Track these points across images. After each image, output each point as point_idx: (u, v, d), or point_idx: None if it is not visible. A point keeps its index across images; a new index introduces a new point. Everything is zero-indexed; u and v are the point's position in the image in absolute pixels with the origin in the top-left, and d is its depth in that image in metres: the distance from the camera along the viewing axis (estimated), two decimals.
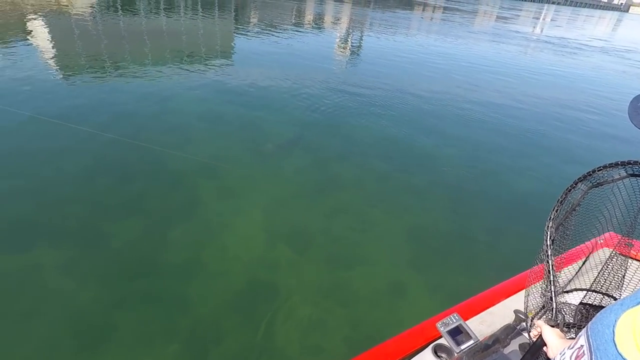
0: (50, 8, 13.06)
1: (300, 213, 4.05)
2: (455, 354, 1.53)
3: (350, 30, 17.92)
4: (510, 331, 1.60)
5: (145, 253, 3.26)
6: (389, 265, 3.52)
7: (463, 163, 5.61)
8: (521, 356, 1.38)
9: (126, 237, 3.40)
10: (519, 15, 45.72)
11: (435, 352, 1.63)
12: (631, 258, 2.19)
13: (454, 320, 1.60)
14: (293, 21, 18.24)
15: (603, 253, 2.22)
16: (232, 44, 12.13)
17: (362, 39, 15.84)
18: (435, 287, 3.34)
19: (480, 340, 1.58)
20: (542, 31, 30.32)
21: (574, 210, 1.61)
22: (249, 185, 4.40)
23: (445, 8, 40.50)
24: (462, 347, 1.53)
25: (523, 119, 7.91)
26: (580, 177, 1.51)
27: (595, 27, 43.93)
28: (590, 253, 2.24)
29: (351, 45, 14.11)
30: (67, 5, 14.01)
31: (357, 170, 5.03)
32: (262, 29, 14.60)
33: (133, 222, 3.59)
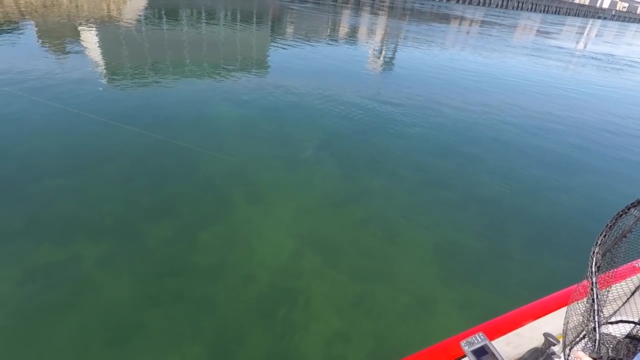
0: (101, 18, 13.94)
1: (328, 222, 4.04)
2: None
3: (384, 43, 17.93)
4: (539, 355, 1.52)
5: (176, 253, 3.35)
6: (417, 279, 3.44)
7: (498, 179, 5.42)
8: None
9: (159, 236, 3.51)
10: (561, 30, 44.18)
11: None
12: None
13: (479, 340, 1.53)
14: (328, 32, 18.49)
15: None
16: (268, 54, 12.43)
17: (395, 52, 15.81)
18: (463, 304, 3.22)
19: None
20: (585, 47, 29.11)
21: (625, 237, 1.50)
22: (278, 192, 4.44)
23: (483, 22, 39.79)
24: None
25: (563, 136, 7.58)
26: (634, 202, 1.41)
27: None
28: (634, 275, 2.10)
29: (384, 58, 14.10)
30: (116, 16, 14.91)
31: (388, 182, 4.97)
32: (297, 40, 14.88)
33: (167, 222, 3.70)
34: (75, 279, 2.98)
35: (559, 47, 24.58)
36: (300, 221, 3.98)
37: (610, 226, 1.45)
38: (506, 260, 3.82)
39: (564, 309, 1.84)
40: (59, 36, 10.60)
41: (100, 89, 6.92)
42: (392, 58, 14.00)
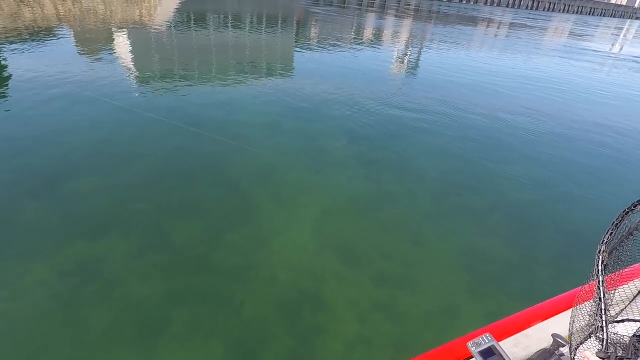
0: (133, 23, 14.49)
1: (352, 225, 4.02)
2: None
3: (409, 46, 17.76)
4: (548, 356, 1.48)
5: (202, 252, 3.42)
6: (441, 287, 3.37)
7: (527, 187, 5.25)
8: None
9: (187, 234, 3.60)
10: (595, 32, 42.46)
11: None
12: None
13: (487, 341, 1.50)
14: (352, 36, 18.49)
15: None
16: (292, 57, 12.55)
17: (421, 55, 15.63)
18: (489, 313, 3.13)
19: None
20: (622, 49, 27.86)
21: (632, 234, 1.48)
22: (303, 193, 4.47)
23: (512, 24, 38.78)
24: None
25: (598, 145, 7.26)
26: None
27: None
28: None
29: (409, 61, 13.96)
30: (147, 21, 15.45)
31: (413, 187, 4.91)
32: (322, 43, 14.96)
33: (194, 221, 3.79)
34: (106, 274, 3.09)
35: (593, 50, 23.63)
36: (324, 223, 3.98)
37: (617, 224, 1.42)
38: (531, 271, 3.69)
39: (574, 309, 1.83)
40: (93, 42, 11.08)
41: (131, 90, 7.18)
42: (417, 62, 13.85)
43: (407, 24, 28.55)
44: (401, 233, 3.98)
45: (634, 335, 1.51)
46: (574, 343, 1.60)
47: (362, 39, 17.96)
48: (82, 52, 9.64)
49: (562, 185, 5.43)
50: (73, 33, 11.82)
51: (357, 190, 4.69)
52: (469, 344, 1.51)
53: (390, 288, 3.27)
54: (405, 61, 13.81)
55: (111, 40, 11.53)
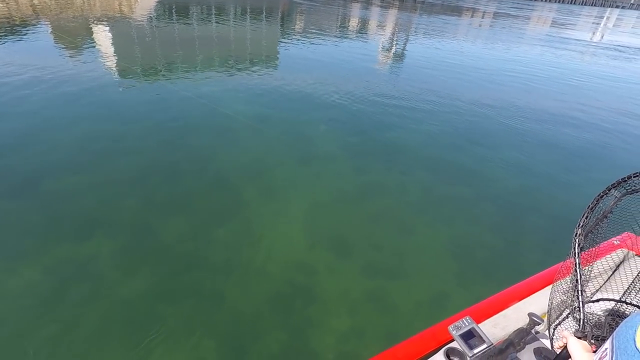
0: (113, 15, 14.08)
1: (341, 218, 4.03)
2: (468, 358, 1.48)
3: (395, 36, 17.73)
4: (525, 335, 1.54)
5: (191, 248, 3.38)
6: (430, 276, 3.40)
7: (513, 176, 5.33)
8: None
9: (175, 231, 3.55)
10: (577, 21, 43.09)
11: (448, 355, 1.59)
12: None
13: (467, 324, 1.56)
14: (337, 26, 18.35)
15: (620, 254, 2.35)
16: (277, 49, 12.41)
17: (406, 45, 15.61)
18: (476, 299, 3.18)
19: (494, 344, 1.53)
20: (602, 37, 28.35)
21: (606, 217, 1.54)
22: (291, 187, 4.45)
23: (495, 14, 39.03)
24: (475, 351, 1.48)
25: (580, 131, 7.40)
26: (614, 184, 1.43)
27: None
28: (608, 254, 2.32)
29: (395, 51, 13.95)
30: (127, 13, 15.04)
31: (401, 178, 4.93)
32: (307, 35, 14.82)
33: (182, 217, 3.74)
34: (93, 273, 3.03)
35: (574, 39, 23.99)
36: (314, 215, 3.98)
37: (592, 207, 1.47)
38: (518, 258, 3.76)
39: (547, 288, 2.00)
40: (72, 34, 10.74)
41: (111, 85, 7.00)
42: (402, 52, 13.84)
43: (392, 14, 28.47)
44: (391, 224, 4.00)
45: (609, 314, 1.61)
46: (551, 320, 1.68)
47: (347, 30, 17.85)
48: (60, 46, 9.34)
49: (546, 172, 5.53)
50: (50, 26, 11.43)
51: (346, 182, 4.69)
52: (450, 328, 1.55)
53: (381, 278, 3.30)
54: (391, 52, 13.79)
55: (91, 33, 11.20)
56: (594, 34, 30.49)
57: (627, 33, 33.69)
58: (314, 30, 16.10)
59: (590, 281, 2.05)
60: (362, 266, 3.41)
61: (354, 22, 21.29)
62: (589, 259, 2.20)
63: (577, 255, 1.44)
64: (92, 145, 4.88)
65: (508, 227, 4.18)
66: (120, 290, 2.93)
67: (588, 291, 1.99)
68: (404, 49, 14.41)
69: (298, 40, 13.86)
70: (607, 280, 2.23)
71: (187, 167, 4.63)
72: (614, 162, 6.22)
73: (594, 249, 2.22)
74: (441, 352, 1.61)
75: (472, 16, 33.83)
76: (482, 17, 33.62)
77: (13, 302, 2.75)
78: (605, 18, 53.20)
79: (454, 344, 1.60)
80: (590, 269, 2.01)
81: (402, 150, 5.70)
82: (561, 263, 1.96)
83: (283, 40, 13.90)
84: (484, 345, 1.50)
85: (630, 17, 63.04)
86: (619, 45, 22.39)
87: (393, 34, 18.57)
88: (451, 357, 1.59)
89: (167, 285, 3.02)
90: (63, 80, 6.86)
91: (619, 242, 2.57)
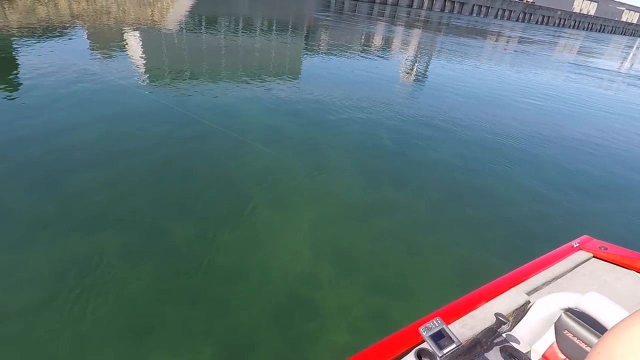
0: (145, 24, 14.67)
1: (348, 232, 4.01)
2: (438, 358, 1.52)
3: (418, 56, 17.81)
4: (492, 334, 1.57)
5: (195, 252, 3.42)
6: (436, 298, 3.33)
7: (530, 201, 5.21)
8: (502, 358, 1.43)
9: (181, 235, 3.60)
10: (605, 49, 42.37)
11: (419, 356, 1.62)
12: (607, 261, 2.60)
13: (437, 325, 1.59)
14: (361, 44, 18.59)
15: (580, 256, 2.59)
16: (300, 64, 12.63)
17: (428, 66, 15.66)
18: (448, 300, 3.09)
19: (463, 343, 1.56)
20: (632, 66, 27.76)
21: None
22: (300, 198, 4.47)
23: (520, 39, 38.81)
24: (445, 351, 1.52)
25: (598, 159, 7.20)
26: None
27: None
28: (568, 256, 2.56)
29: (417, 71, 14.00)
30: (159, 22, 15.64)
31: (411, 197, 4.89)
32: (330, 51, 15.05)
33: (189, 221, 3.80)
34: (99, 271, 3.09)
35: (601, 68, 23.56)
36: (320, 229, 3.97)
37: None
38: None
39: (513, 289, 2.14)
40: (106, 40, 11.23)
41: (136, 89, 7.25)
42: (424, 73, 13.87)
43: (416, 34, 28.68)
44: (398, 243, 3.95)
45: (566, 310, 1.81)
46: (509, 318, 1.82)
47: (370, 48, 18.05)
48: (93, 50, 9.77)
49: (563, 199, 5.38)
50: (86, 31, 11.99)
51: (355, 198, 4.67)
52: (421, 329, 1.59)
53: (384, 297, 3.25)
54: (413, 71, 13.84)
55: (123, 39, 11.68)
56: (622, 62, 29.87)
57: None
58: (338, 46, 16.35)
59: (550, 282, 2.33)
60: (365, 283, 3.37)
61: (377, 40, 21.52)
62: (549, 261, 2.49)
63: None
64: (111, 144, 5.03)
65: (520, 255, 4.07)
66: (123, 287, 2.98)
67: (548, 291, 2.24)
68: (426, 70, 14.45)
69: (321, 55, 14.09)
70: (565, 282, 2.40)
71: (200, 172, 4.71)
72: (630, 193, 6.01)
73: (554, 251, 2.64)
74: (412, 353, 1.64)
75: (496, 40, 33.73)
76: (507, 42, 33.47)
77: (19, 293, 2.83)
78: (635, 47, 52.07)
79: (424, 345, 1.64)
80: (550, 271, 2.34)
81: (415, 168, 5.67)
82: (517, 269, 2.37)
83: (307, 54, 14.15)
84: (453, 345, 1.54)
85: None
86: None
87: (416, 53, 18.66)
88: (422, 358, 1.62)
89: (169, 286, 3.05)
90: (93, 82, 7.15)
91: (577, 244, 2.76)
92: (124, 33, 12.46)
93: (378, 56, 15.74)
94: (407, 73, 13.25)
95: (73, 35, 11.07)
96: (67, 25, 12.25)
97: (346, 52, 15.21)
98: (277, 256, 3.52)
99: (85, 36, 11.31)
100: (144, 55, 10.22)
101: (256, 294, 3.10)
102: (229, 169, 4.85)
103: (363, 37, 21.67)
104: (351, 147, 6.07)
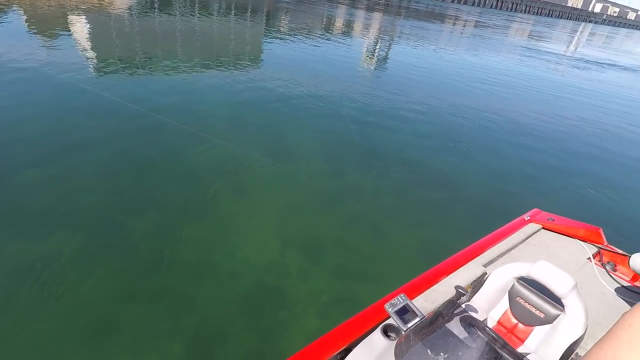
0: (91, 6, 13.65)
1: (314, 220, 4.01)
2: (403, 332, 1.59)
3: (379, 40, 17.89)
4: (452, 305, 1.65)
5: (158, 248, 3.30)
6: (401, 276, 3.42)
7: (486, 180, 5.46)
8: (463, 329, 1.51)
9: (142, 231, 3.45)
10: (553, 33, 44.61)
11: (385, 332, 1.69)
12: (554, 231, 2.87)
13: (401, 301, 1.67)
14: (322, 28, 18.38)
15: (531, 228, 2.84)
16: (261, 48, 12.32)
17: (389, 50, 15.79)
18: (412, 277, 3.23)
19: (426, 316, 1.64)
20: (576, 49, 29.48)
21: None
22: (265, 187, 4.41)
23: (477, 22, 39.98)
24: (409, 324, 1.59)
25: (550, 139, 7.65)
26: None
27: (633, 46, 42.37)
28: (520, 228, 2.81)
29: (378, 55, 14.08)
30: (107, 4, 14.60)
31: (376, 181, 4.97)
32: (291, 35, 14.78)
33: (150, 217, 3.64)
34: (53, 274, 2.91)
35: (549, 52, 24.83)
36: (286, 218, 3.95)
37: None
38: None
39: (471, 262, 2.30)
40: (48, 24, 10.35)
41: (84, 76, 6.78)
42: (385, 57, 13.98)
43: (377, 17, 28.75)
44: (363, 227, 4.01)
45: (518, 278, 1.94)
46: (468, 290, 1.94)
47: (331, 31, 17.90)
48: (34, 35, 8.98)
49: (515, 176, 5.68)
50: (24, 14, 10.97)
51: (321, 184, 4.68)
52: (386, 306, 1.66)
53: (352, 282, 3.30)
54: (375, 55, 13.91)
55: (67, 22, 10.81)
56: (568, 46, 31.63)
57: (597, 47, 35.11)
58: (299, 30, 16.07)
59: (504, 254, 2.52)
60: (334, 269, 3.41)
61: (338, 24, 21.37)
62: (503, 234, 2.72)
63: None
64: (59, 138, 4.69)
65: (476, 229, 4.27)
66: (81, 290, 2.82)
67: (502, 262, 2.41)
68: (387, 54, 14.56)
69: (282, 39, 13.80)
70: (517, 252, 2.58)
71: (158, 163, 4.51)
72: (575, 167, 6.46)
73: (508, 224, 2.89)
74: (379, 329, 1.70)
75: (454, 24, 34.53)
76: (464, 26, 34.36)
77: None
78: (579, 32, 55.25)
79: (390, 321, 1.71)
80: (505, 243, 2.57)
81: (378, 153, 5.75)
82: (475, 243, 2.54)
83: (267, 38, 13.81)
84: (417, 319, 1.61)
85: (602, 31, 65.71)
86: (592, 58, 23.30)
87: (377, 37, 18.74)
88: (388, 333, 1.69)
89: (132, 285, 2.93)
90: (34, 72, 6.60)
91: (528, 217, 2.98)
92: (68, 15, 11.52)
93: (339, 40, 15.66)
94: (369, 57, 13.30)
95: (9, 18, 10.11)
96: (2, 6, 11.16)
97: (307, 36, 15.00)
98: (244, 247, 3.47)
99: (24, 19, 10.36)
100: (91, 41, 9.54)
101: (224, 287, 3.05)
102: (188, 161, 4.67)
103: (324, 20, 21.42)
104: (315, 133, 6.04)
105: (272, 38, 13.90)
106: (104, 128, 5.11)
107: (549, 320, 1.84)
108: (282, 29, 16.30)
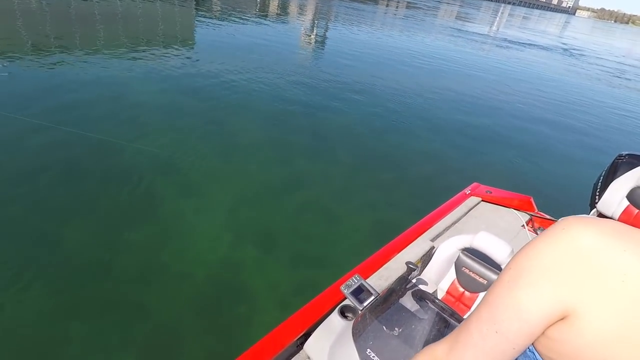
0: None
1: (265, 211, 3.93)
2: (360, 312, 1.63)
3: (316, 21, 17.73)
4: (404, 282, 1.73)
5: (97, 257, 3.02)
6: (355, 258, 3.50)
7: (428, 158, 5.72)
8: (415, 303, 1.58)
9: (75, 240, 3.13)
10: (477, 14, 47.40)
11: (342, 312, 1.73)
12: (492, 203, 3.10)
13: (356, 281, 1.70)
14: (257, 10, 17.75)
15: (472, 201, 3.06)
16: (193, 32, 11.61)
17: (327, 31, 15.72)
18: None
19: (380, 294, 1.69)
20: (498, 29, 31.67)
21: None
22: (210, 183, 4.21)
23: (408, 4, 41.18)
24: (365, 303, 1.63)
25: (489, 114, 8.20)
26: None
27: (546, 27, 46.45)
28: (462, 202, 3.02)
29: (316, 37, 13.97)
30: None
31: (324, 166, 4.98)
32: (225, 17, 14.10)
33: (82, 223, 3.32)
34: None
35: (476, 32, 26.38)
36: (236, 211, 3.82)
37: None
38: None
39: (420, 238, 2.44)
40: None
41: None
42: (323, 38, 13.91)
43: None
44: (316, 214, 4.02)
45: (463, 249, 2.06)
46: (418, 265, 2.07)
47: (267, 13, 17.37)
48: None
49: (456, 153, 6.04)
50: None
51: (270, 174, 4.59)
52: (342, 287, 1.68)
53: (310, 269, 3.31)
54: (312, 37, 13.78)
55: None
56: (490, 27, 33.89)
57: (516, 27, 38.03)
58: (232, 12, 15.36)
59: (449, 227, 2.70)
60: (290, 258, 3.39)
61: (273, 5, 20.78)
62: (447, 208, 2.92)
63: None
64: None
65: (422, 206, 4.48)
66: (11, 313, 2.52)
67: (448, 235, 2.55)
68: (325, 35, 14.49)
69: (216, 22, 13.11)
70: (461, 225, 2.78)
71: (87, 164, 4.10)
72: (509, 140, 7.03)
73: (451, 199, 3.08)
74: (336, 311, 1.74)
75: (387, 5, 35.25)
76: (397, 8, 35.24)
77: None
78: (499, 13, 59.38)
79: (346, 302, 1.74)
80: (449, 217, 2.75)
81: (325, 137, 5.75)
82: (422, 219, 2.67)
83: (199, 21, 13.03)
84: (372, 297, 1.64)
85: (519, 12, 71.17)
86: (513, 37, 25.18)
87: (313, 19, 18.54)
88: (345, 314, 1.72)
89: (71, 300, 2.67)
90: None
91: (470, 191, 3.19)
92: None
93: (275, 22, 15.26)
94: (306, 39, 13.15)
95: None
96: None
97: (241, 18, 14.41)
98: (194, 246, 3.31)
99: None
100: None
101: (176, 290, 2.89)
102: (123, 159, 4.30)
103: (258, 1, 20.69)
104: (259, 120, 5.88)
105: (204, 21, 13.15)
106: (11, 126, 4.51)
107: (490, 285, 1.98)
108: (214, 11, 15.47)
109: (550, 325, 0.57)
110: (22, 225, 3.19)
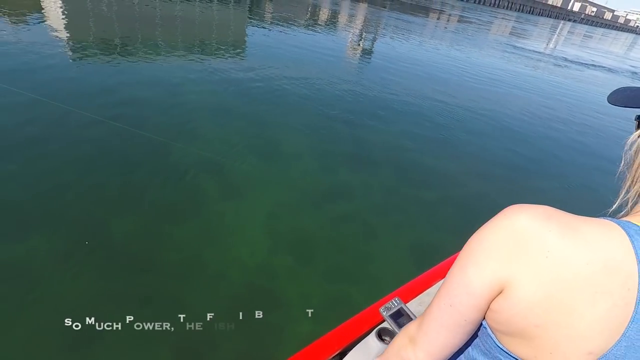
0: None
1: (305, 219, 3.93)
2: None
3: (364, 31, 17.75)
4: None
5: (143, 249, 3.15)
6: (394, 279, 3.41)
7: (475, 179, 5.49)
8: None
9: (125, 231, 3.29)
10: (534, 30, 45.47)
11: (380, 335, 1.67)
12: None
13: (396, 304, 1.66)
14: (307, 17, 18.08)
15: None
16: (245, 36, 12.00)
17: (375, 41, 15.69)
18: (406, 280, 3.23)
19: None
20: (555, 47, 30.15)
21: None
22: (253, 186, 4.28)
23: (460, 17, 40.27)
24: None
25: (539, 138, 7.78)
26: None
27: (610, 46, 43.71)
28: None
29: (364, 47, 13.96)
30: None
31: (366, 178, 4.91)
32: (276, 23, 14.46)
33: (133, 215, 3.47)
34: (28, 277, 2.74)
35: (531, 50, 25.28)
36: (276, 217, 3.85)
37: None
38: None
39: None
40: (17, 5, 9.74)
41: (59, 65, 6.41)
42: (370, 50, 13.88)
43: (362, 8, 28.52)
44: (355, 227, 3.96)
45: None
46: None
47: (316, 21, 17.64)
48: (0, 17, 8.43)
49: (503, 177, 5.75)
50: None
51: (311, 183, 4.59)
52: (381, 309, 1.63)
53: (343, 284, 3.25)
54: (360, 47, 13.79)
55: (39, 4, 10.20)
56: (548, 44, 32.32)
57: (576, 45, 36.01)
58: (283, 19, 15.74)
59: None
60: (326, 270, 3.35)
61: (323, 13, 21.09)
62: None
63: None
64: (28, 129, 4.41)
65: (468, 231, 4.29)
66: (60, 295, 2.67)
67: None
68: (372, 46, 14.46)
69: (267, 28, 13.49)
70: None
71: (140, 158, 4.31)
72: (560, 169, 6.60)
73: None
74: (373, 333, 1.69)
75: (438, 18, 34.68)
76: (448, 21, 34.57)
77: None
78: (558, 30, 56.52)
79: (385, 324, 1.69)
80: None
81: (368, 149, 5.69)
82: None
83: (251, 27, 13.46)
84: None
85: (580, 30, 67.38)
86: (570, 55, 23.88)
87: (362, 28, 18.59)
88: (383, 337, 1.67)
89: (114, 288, 2.79)
90: (3, 61, 6.19)
91: None
92: None
93: (324, 30, 15.45)
94: (354, 49, 13.17)
95: None
96: None
97: (292, 25, 14.71)
98: (233, 248, 3.36)
99: None
100: (66, 25, 9.03)
101: (212, 289, 2.94)
102: (174, 159, 4.48)
103: (309, 9, 21.08)
104: (303, 127, 5.92)
105: (256, 26, 13.56)
106: (77, 119, 4.84)
107: None
108: (266, 17, 15.93)
109: (493, 299, 0.66)
110: (79, 212, 3.39)
